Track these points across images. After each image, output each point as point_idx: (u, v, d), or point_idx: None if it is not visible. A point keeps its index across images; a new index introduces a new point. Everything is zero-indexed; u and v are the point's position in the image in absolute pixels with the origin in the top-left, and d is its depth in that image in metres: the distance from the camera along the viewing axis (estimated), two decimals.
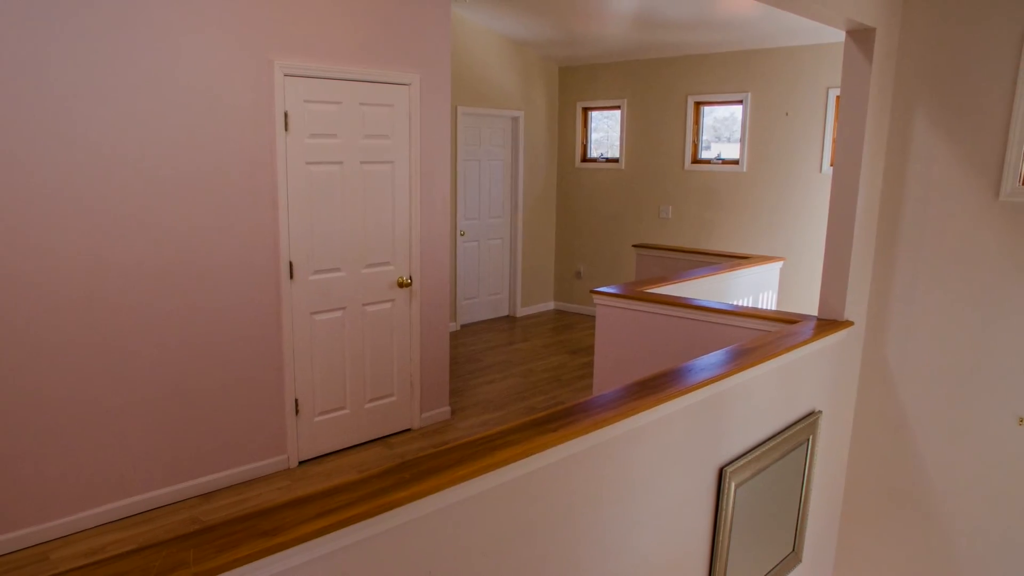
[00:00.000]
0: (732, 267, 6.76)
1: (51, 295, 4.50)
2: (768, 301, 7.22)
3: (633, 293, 5.25)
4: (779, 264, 7.35)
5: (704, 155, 10.04)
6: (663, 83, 10.17)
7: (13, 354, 4.42)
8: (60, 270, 4.52)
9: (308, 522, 1.89)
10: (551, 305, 11.73)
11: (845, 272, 4.51)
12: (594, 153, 11.19)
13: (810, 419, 4.23)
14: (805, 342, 4.05)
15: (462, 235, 10.19)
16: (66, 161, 4.47)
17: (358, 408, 6.20)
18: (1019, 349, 4.36)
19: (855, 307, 4.66)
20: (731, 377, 3.42)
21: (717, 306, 4.90)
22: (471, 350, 9.19)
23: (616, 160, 10.82)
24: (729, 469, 3.48)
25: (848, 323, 4.53)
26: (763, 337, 4.11)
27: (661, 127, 10.25)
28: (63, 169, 4.46)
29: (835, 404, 4.66)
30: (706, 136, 10.04)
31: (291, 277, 5.58)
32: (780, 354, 3.79)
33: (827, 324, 4.45)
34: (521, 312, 11.17)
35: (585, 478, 2.70)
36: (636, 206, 10.65)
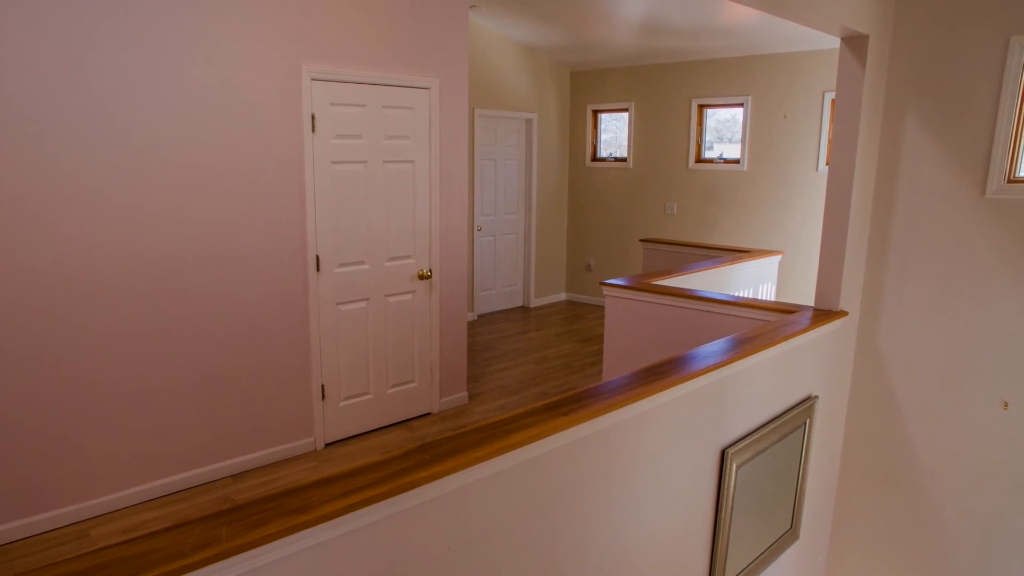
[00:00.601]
0: (733, 260, 6.73)
1: (93, 287, 4.52)
2: (767, 292, 7.19)
3: (640, 285, 5.24)
4: (778, 258, 7.32)
5: (707, 155, 10.00)
6: (668, 87, 10.13)
7: (58, 343, 4.44)
8: (101, 264, 4.54)
9: (334, 501, 1.89)
10: (563, 296, 11.72)
11: (840, 265, 4.49)
12: (603, 153, 11.16)
13: (807, 404, 4.22)
14: (802, 331, 4.04)
15: (479, 230, 10.18)
16: (106, 161, 4.48)
17: (381, 393, 6.20)
18: (1003, 337, 4.35)
19: (849, 298, 4.65)
20: (732, 364, 3.41)
21: (719, 297, 4.89)
22: (487, 339, 9.18)
23: (624, 159, 10.79)
24: (731, 451, 3.48)
25: (843, 313, 4.52)
26: (763, 326, 4.09)
27: (666, 128, 10.21)
28: (103, 168, 4.47)
29: (830, 389, 4.64)
30: (709, 137, 9.99)
31: (318, 269, 5.58)
32: (779, 342, 3.78)
33: (823, 314, 4.43)
34: (535, 303, 11.16)
35: (595, 459, 2.70)
36: (643, 203, 10.62)
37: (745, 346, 3.59)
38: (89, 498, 4.69)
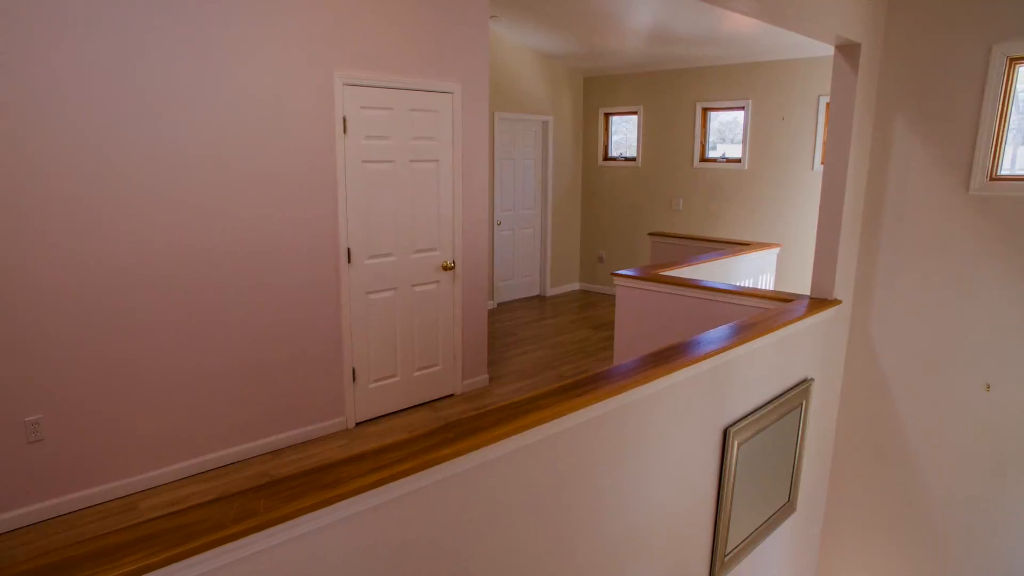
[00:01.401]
0: (735, 253, 6.70)
1: (141, 278, 4.54)
2: (767, 282, 7.15)
3: (649, 275, 5.21)
4: (776, 250, 7.27)
5: (710, 154, 9.94)
6: (675, 91, 10.07)
7: (109, 329, 4.46)
8: (150, 256, 4.55)
9: (364, 476, 1.89)
10: (577, 286, 11.69)
11: (834, 257, 4.46)
12: (614, 153, 11.11)
13: (804, 386, 4.19)
14: (799, 318, 4.01)
15: (499, 225, 10.16)
16: (153, 161, 4.49)
17: (407, 376, 6.21)
18: (986, 324, 4.33)
19: (843, 288, 4.61)
20: (734, 349, 3.39)
21: (722, 287, 4.86)
22: (507, 325, 9.17)
23: (634, 159, 10.74)
24: (732, 429, 3.46)
25: (837, 302, 4.48)
26: (762, 314, 4.07)
27: (673, 130, 10.16)
28: (151, 167, 4.49)
29: (825, 373, 4.61)
30: (712, 138, 9.93)
31: (349, 261, 5.58)
32: (777, 329, 3.76)
33: (818, 302, 4.40)
34: (550, 292, 11.14)
35: (607, 437, 2.68)
36: (651, 199, 10.58)
37: (746, 332, 3.57)
38: (137, 473, 4.72)
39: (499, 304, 10.37)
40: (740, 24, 7.60)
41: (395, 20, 5.57)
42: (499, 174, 10.04)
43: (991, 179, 4.21)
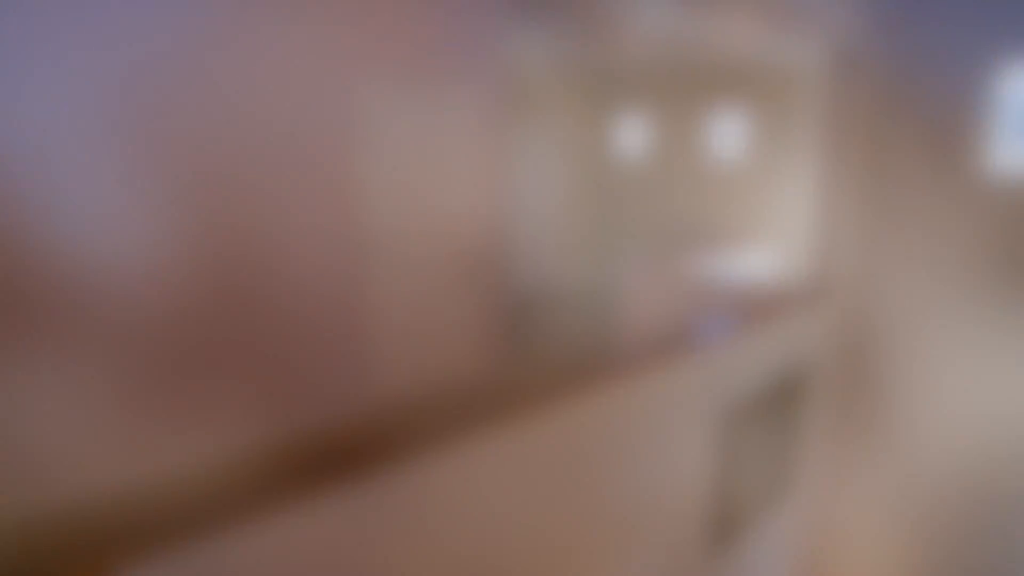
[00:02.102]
0: (737, 247, 6.68)
1: (179, 281, 4.57)
2: (767, 274, 7.13)
3: None
4: (777, 244, 7.26)
5: (717, 155, 9.94)
6: (681, 95, 10.07)
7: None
8: (188, 261, 4.58)
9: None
10: None
11: (831, 250, 4.45)
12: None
13: (803, 372, 4.18)
14: (798, 307, 4.00)
15: None
16: (185, 160, 4.52)
17: None
18: (976, 311, 4.32)
19: (839, 278, 4.60)
20: (735, 337, 3.38)
21: (724, 278, 4.85)
22: None
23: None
24: (735, 416, 3.45)
25: (834, 291, 4.48)
26: (763, 303, 4.06)
27: (679, 132, 10.16)
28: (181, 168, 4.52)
29: (823, 358, 4.60)
30: (718, 139, 9.93)
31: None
32: (776, 319, 3.75)
33: (816, 293, 4.39)
34: None
35: (613, 425, 2.68)
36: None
37: (747, 321, 3.56)
38: None
39: None
40: (742, 31, 7.59)
41: (412, 26, 5.58)
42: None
43: (982, 178, 4.20)
